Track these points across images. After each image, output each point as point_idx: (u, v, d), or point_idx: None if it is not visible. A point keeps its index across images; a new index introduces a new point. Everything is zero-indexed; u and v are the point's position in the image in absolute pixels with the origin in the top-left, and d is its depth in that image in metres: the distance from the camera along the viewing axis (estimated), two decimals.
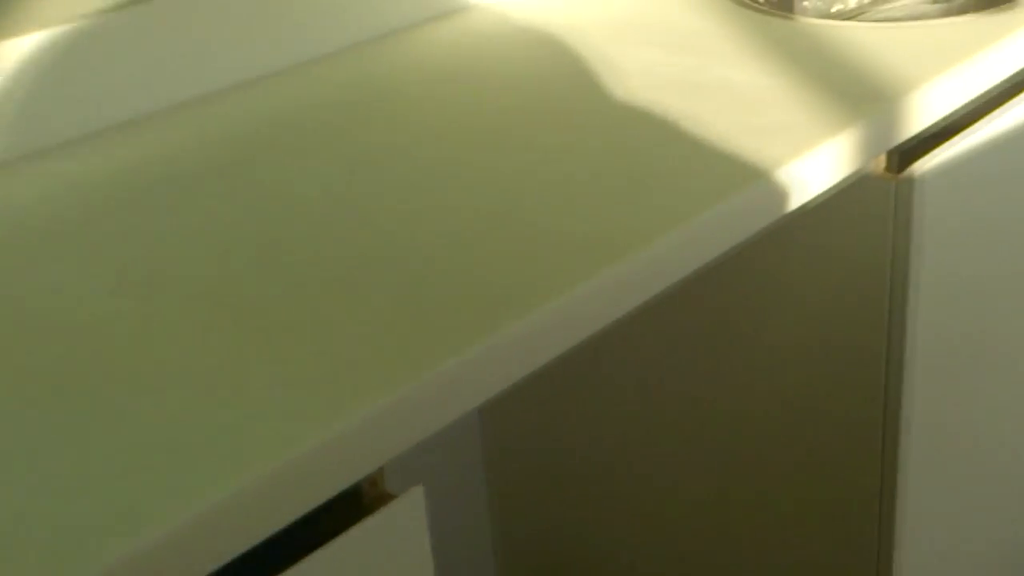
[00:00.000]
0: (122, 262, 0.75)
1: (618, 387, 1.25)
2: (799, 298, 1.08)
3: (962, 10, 1.16)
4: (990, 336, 1.19)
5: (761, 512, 1.21)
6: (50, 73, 0.92)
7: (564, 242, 0.74)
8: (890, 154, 0.99)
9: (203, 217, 0.81)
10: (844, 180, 0.93)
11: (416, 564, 0.65)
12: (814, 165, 0.87)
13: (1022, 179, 1.14)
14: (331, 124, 0.96)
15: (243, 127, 0.96)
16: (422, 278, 0.71)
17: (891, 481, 1.12)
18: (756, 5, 1.20)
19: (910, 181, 0.98)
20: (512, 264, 0.72)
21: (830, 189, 0.93)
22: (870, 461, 1.12)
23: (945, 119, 1.02)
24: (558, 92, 1.00)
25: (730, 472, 1.21)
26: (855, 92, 0.96)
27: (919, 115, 0.96)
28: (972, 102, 1.04)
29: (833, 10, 1.28)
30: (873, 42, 1.07)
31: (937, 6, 1.23)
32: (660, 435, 1.25)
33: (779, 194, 0.83)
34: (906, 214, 0.99)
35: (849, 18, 1.22)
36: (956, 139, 1.02)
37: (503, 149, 0.89)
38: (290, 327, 0.66)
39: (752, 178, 0.81)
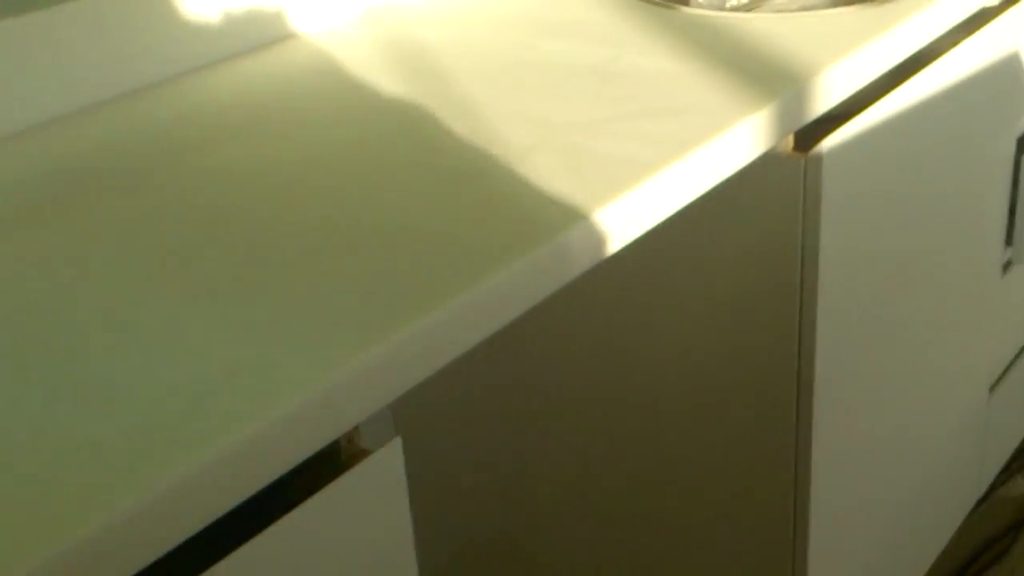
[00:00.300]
0: None
1: (530, 371, 1.29)
2: (713, 275, 1.14)
3: (848, 1, 1.24)
4: (887, 304, 1.27)
5: (677, 494, 1.27)
6: None
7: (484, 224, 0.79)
8: (796, 135, 1.06)
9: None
10: (755, 160, 1.00)
11: (395, 516, 0.69)
12: (730, 145, 0.93)
13: (911, 155, 1.22)
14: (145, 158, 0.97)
15: (42, 166, 0.94)
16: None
17: (805, 448, 1.19)
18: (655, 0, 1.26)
19: (818, 158, 1.05)
20: (401, 267, 0.76)
21: (742, 168, 0.99)
22: (785, 430, 1.19)
23: (843, 101, 1.09)
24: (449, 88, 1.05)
25: (644, 453, 1.27)
26: (762, 76, 1.03)
27: (823, 97, 1.03)
28: (870, 84, 1.12)
29: (728, 5, 1.35)
30: (772, 31, 1.14)
31: (808, 5, 1.31)
32: (571, 421, 1.30)
33: (697, 175, 0.89)
34: (815, 189, 1.06)
35: (745, 11, 1.29)
36: (855, 119, 1.10)
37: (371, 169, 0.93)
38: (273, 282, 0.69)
39: (669, 159, 0.87)
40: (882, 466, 1.37)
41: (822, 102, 1.04)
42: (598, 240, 0.80)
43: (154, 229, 0.80)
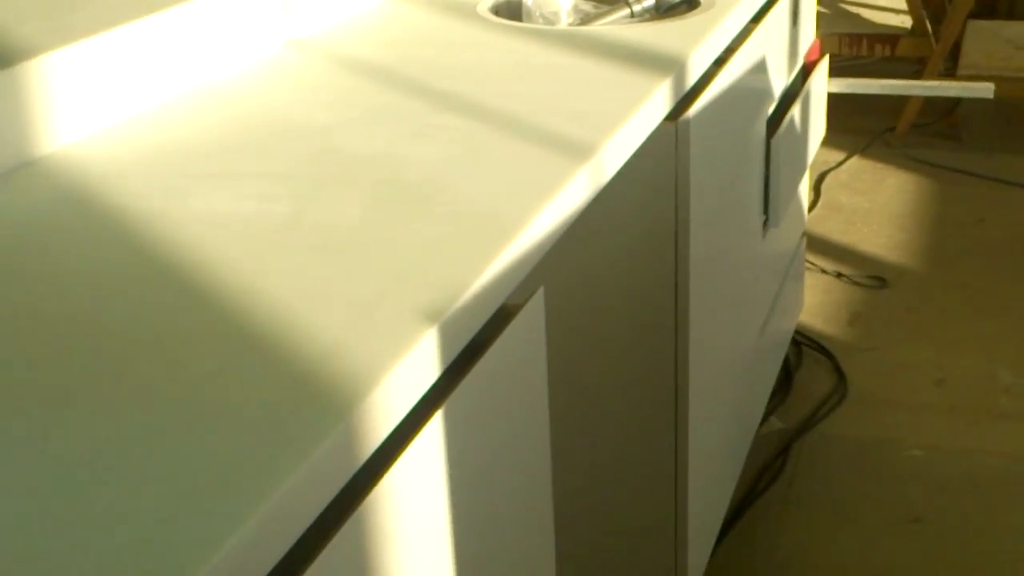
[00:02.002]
0: None
1: None
2: (605, 230, 1.41)
3: (658, 18, 1.56)
4: (722, 248, 1.58)
5: (572, 430, 1.51)
6: None
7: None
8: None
9: None
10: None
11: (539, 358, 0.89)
12: (639, 121, 1.20)
13: (729, 124, 1.55)
14: None
15: None
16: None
17: (684, 366, 1.47)
18: (500, 20, 1.52)
19: (686, 123, 1.34)
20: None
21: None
22: (665, 357, 1.46)
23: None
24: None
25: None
26: (645, 66, 1.31)
27: (688, 77, 1.33)
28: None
29: (559, 25, 1.63)
30: (622, 36, 1.43)
31: (636, 19, 1.62)
32: None
33: (618, 150, 1.15)
34: (685, 150, 1.35)
35: (581, 24, 1.57)
36: (703, 93, 1.40)
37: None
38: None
39: (596, 141, 1.13)
40: (722, 390, 1.68)
41: (688, 81, 1.33)
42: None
43: None
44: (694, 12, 1.52)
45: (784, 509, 2.01)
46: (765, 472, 2.11)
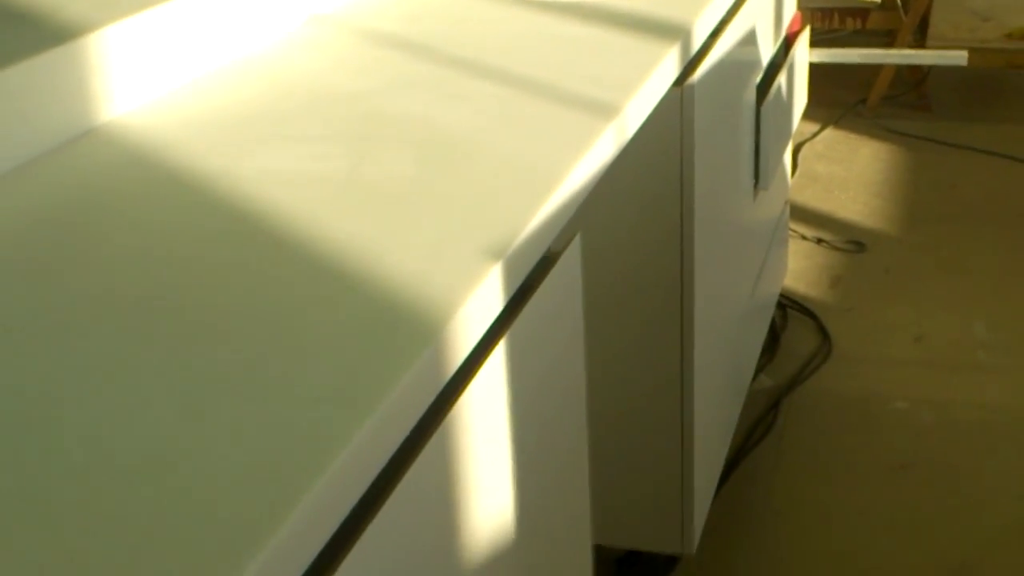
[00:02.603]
0: None
1: None
2: (614, 194, 1.49)
3: None
4: (722, 209, 1.67)
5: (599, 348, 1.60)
6: None
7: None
8: None
9: None
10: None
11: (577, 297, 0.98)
12: (650, 84, 1.28)
13: (726, 88, 1.64)
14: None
15: None
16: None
17: (689, 322, 1.56)
18: None
19: (691, 88, 1.43)
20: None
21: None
22: (671, 311, 1.55)
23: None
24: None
25: None
26: (653, 33, 1.39)
27: (693, 43, 1.41)
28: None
29: None
30: (625, 7, 1.51)
31: None
32: None
33: (633, 114, 1.24)
34: (690, 113, 1.44)
35: None
36: (706, 58, 1.49)
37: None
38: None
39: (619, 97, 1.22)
40: (721, 344, 1.77)
41: (693, 48, 1.42)
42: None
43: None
44: None
45: (777, 459, 2.11)
46: (758, 426, 2.21)
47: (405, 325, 0.75)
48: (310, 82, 1.27)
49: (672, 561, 1.84)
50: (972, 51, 3.59)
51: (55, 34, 1.14)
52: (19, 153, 1.06)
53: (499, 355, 0.87)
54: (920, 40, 3.86)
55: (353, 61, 1.35)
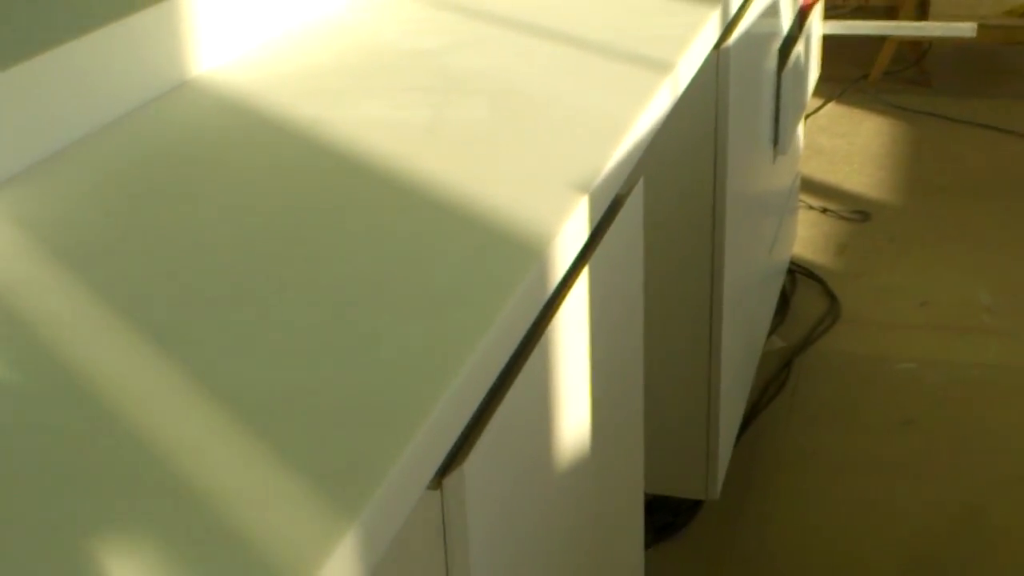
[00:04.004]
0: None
1: None
2: (649, 153, 1.58)
3: None
4: (748, 171, 1.76)
5: None
6: None
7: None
8: None
9: None
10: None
11: (639, 236, 1.07)
12: (697, 43, 1.37)
13: (755, 54, 1.73)
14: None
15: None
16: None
17: (719, 275, 1.66)
18: None
19: (727, 51, 1.52)
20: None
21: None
22: (703, 265, 1.65)
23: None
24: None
25: None
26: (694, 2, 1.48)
27: (730, 10, 1.50)
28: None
29: None
30: None
31: None
32: None
33: (685, 70, 1.33)
34: (725, 75, 1.53)
35: None
36: (737, 26, 1.58)
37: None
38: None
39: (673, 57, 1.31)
40: (743, 299, 1.87)
41: (730, 13, 1.51)
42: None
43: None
44: None
45: (790, 415, 2.21)
46: (771, 384, 2.31)
47: (513, 245, 0.84)
48: (378, 41, 1.36)
49: (696, 506, 1.93)
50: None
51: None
52: (125, 102, 1.14)
53: (583, 281, 0.97)
54: (921, 17, 3.95)
55: (420, 23, 1.43)
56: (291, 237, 0.87)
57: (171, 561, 0.54)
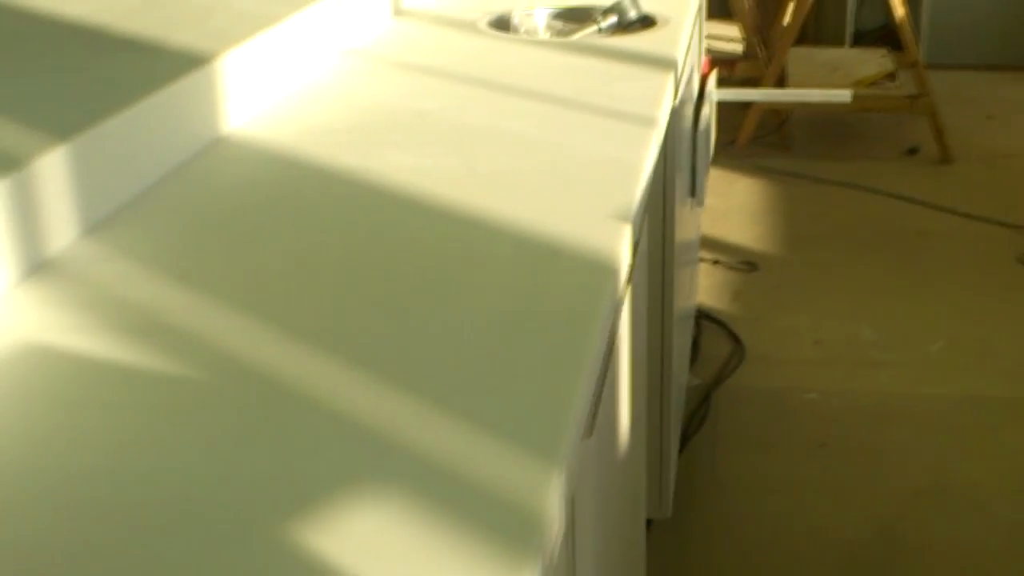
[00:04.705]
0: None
1: None
2: None
3: (626, 31, 1.92)
4: (682, 209, 1.94)
5: None
6: None
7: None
8: None
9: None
10: None
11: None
12: (667, 101, 1.55)
13: (686, 109, 1.92)
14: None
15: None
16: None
17: (669, 321, 1.83)
18: (508, 35, 1.86)
19: (676, 108, 1.70)
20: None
21: None
22: (655, 307, 1.82)
23: None
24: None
25: None
26: (643, 65, 1.67)
27: (681, 73, 1.69)
28: None
29: (540, 36, 1.97)
30: (612, 44, 1.79)
31: (604, 33, 1.97)
32: None
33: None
34: (672, 129, 1.71)
35: (562, 37, 1.92)
36: (679, 87, 1.77)
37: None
38: None
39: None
40: (681, 342, 2.04)
41: (681, 77, 1.70)
42: None
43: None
44: (657, 27, 1.90)
45: (714, 444, 2.40)
46: (693, 417, 2.49)
47: (589, 267, 0.99)
48: (378, 103, 1.50)
49: (648, 524, 2.09)
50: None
51: (176, 61, 1.33)
52: (177, 156, 1.25)
53: (627, 300, 1.12)
54: (781, 87, 4.28)
55: (404, 87, 1.58)
56: (387, 264, 1.00)
57: (430, 501, 0.67)
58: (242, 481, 0.70)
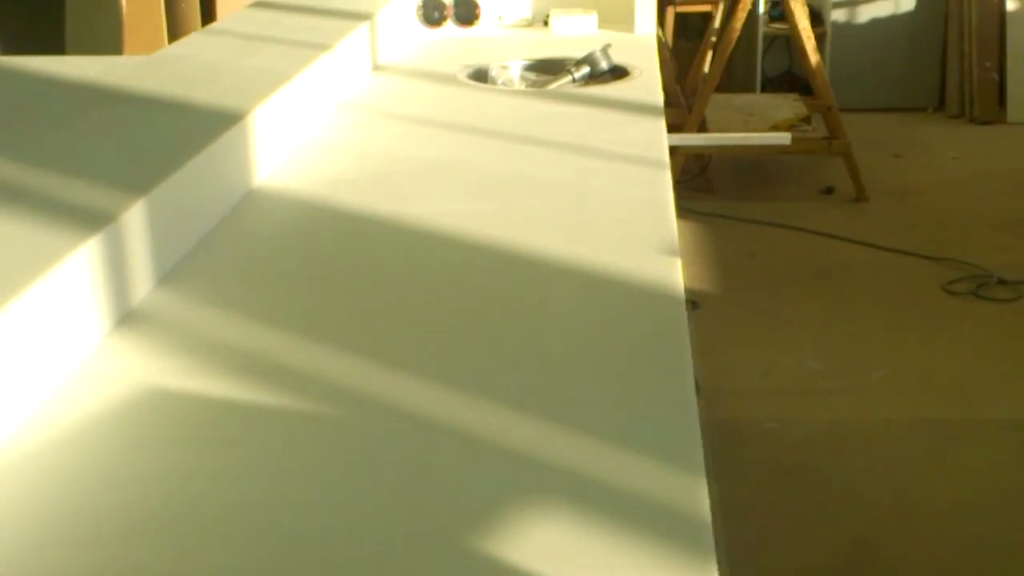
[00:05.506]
0: None
1: None
2: None
3: (599, 82, 2.00)
4: None
5: None
6: None
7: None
8: None
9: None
10: None
11: None
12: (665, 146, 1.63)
13: None
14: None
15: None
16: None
17: None
18: (488, 86, 1.93)
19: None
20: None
21: None
22: None
23: None
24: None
25: None
26: (628, 111, 1.75)
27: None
28: None
29: (518, 88, 2.05)
30: (592, 93, 1.87)
31: (578, 83, 2.05)
32: None
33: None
34: None
35: (539, 87, 2.00)
36: None
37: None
38: None
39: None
40: None
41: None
42: None
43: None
44: (630, 77, 1.99)
45: None
46: None
47: (656, 295, 1.06)
48: (386, 152, 1.55)
49: None
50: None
51: (208, 117, 1.37)
52: (223, 207, 1.29)
53: None
54: (702, 132, 4.43)
55: (406, 137, 1.63)
56: (464, 298, 1.06)
57: (598, 511, 0.72)
58: (408, 504, 0.75)
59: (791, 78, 5.43)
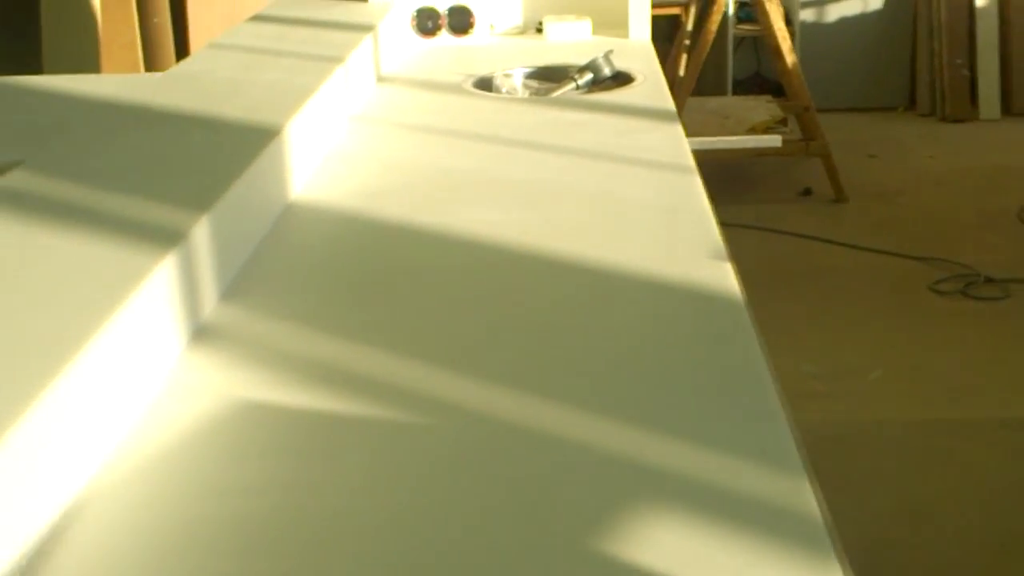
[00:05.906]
0: None
1: None
2: None
3: (603, 88, 2.02)
4: None
5: None
6: None
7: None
8: None
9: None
10: None
11: None
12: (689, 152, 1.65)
13: None
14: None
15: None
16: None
17: None
18: (499, 95, 1.94)
19: None
20: None
21: None
22: None
23: None
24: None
25: None
26: (644, 117, 1.77)
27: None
28: None
29: (521, 95, 2.06)
30: (602, 100, 1.88)
31: (582, 90, 2.06)
32: None
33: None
34: None
35: (541, 95, 2.01)
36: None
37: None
38: None
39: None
40: None
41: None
42: None
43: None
44: (635, 83, 2.00)
45: None
46: None
47: (716, 299, 1.07)
48: (409, 163, 1.56)
49: None
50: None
51: (244, 133, 1.37)
52: (264, 224, 1.29)
53: None
54: None
55: (424, 147, 1.64)
56: (527, 307, 1.07)
57: (709, 512, 0.73)
58: (514, 510, 0.75)
59: (760, 80, 5.48)
